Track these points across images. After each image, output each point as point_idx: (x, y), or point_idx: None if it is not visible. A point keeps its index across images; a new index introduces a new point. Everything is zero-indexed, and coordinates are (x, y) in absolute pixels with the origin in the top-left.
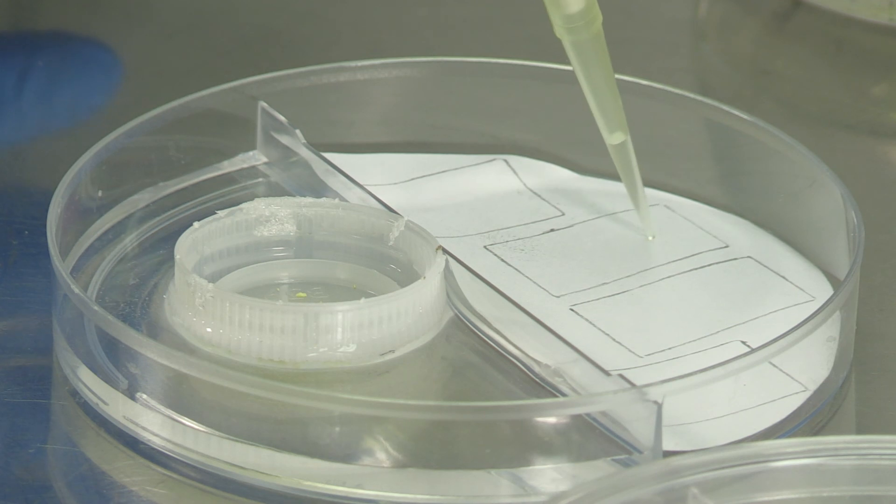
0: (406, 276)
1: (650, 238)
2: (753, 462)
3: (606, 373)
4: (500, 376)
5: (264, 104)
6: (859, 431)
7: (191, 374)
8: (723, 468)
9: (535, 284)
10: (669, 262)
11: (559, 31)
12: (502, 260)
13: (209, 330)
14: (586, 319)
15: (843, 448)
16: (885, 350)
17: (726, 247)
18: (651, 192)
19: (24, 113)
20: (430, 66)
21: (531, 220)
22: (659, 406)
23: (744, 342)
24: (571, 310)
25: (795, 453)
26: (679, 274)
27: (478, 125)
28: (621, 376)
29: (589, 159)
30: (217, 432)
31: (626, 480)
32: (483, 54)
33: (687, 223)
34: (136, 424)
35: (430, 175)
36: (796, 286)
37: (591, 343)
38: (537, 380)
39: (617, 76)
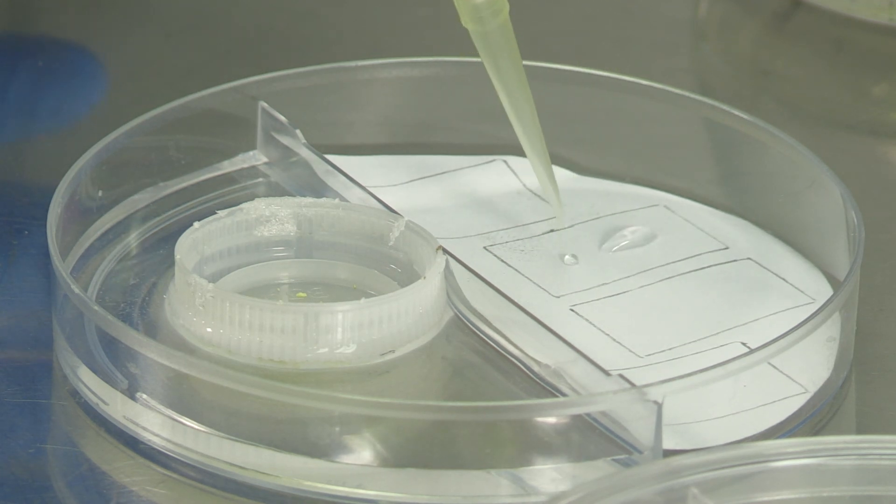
0: (406, 276)
1: (564, 226)
2: (753, 462)
3: (606, 373)
4: (500, 376)
5: (264, 104)
6: (859, 431)
7: (191, 374)
8: (723, 468)
9: (535, 285)
10: (669, 263)
11: (465, 20)
12: (502, 260)
13: (209, 330)
14: (586, 319)
15: (843, 448)
16: (885, 350)
17: (726, 248)
18: (651, 193)
19: (4, 118)
20: (430, 65)
21: (531, 221)
22: (659, 406)
23: (744, 343)
24: (571, 310)
25: (795, 453)
26: (679, 275)
27: (478, 125)
28: (621, 376)
29: (589, 159)
30: (217, 432)
31: (626, 480)
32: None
33: (687, 224)
34: (137, 424)
35: (430, 176)
36: (796, 288)
37: (591, 343)
38: (537, 380)
39: (617, 76)
